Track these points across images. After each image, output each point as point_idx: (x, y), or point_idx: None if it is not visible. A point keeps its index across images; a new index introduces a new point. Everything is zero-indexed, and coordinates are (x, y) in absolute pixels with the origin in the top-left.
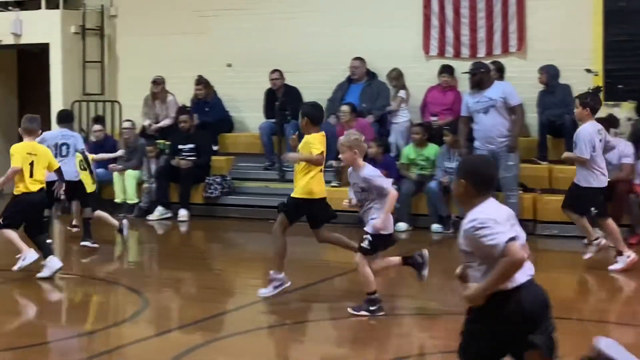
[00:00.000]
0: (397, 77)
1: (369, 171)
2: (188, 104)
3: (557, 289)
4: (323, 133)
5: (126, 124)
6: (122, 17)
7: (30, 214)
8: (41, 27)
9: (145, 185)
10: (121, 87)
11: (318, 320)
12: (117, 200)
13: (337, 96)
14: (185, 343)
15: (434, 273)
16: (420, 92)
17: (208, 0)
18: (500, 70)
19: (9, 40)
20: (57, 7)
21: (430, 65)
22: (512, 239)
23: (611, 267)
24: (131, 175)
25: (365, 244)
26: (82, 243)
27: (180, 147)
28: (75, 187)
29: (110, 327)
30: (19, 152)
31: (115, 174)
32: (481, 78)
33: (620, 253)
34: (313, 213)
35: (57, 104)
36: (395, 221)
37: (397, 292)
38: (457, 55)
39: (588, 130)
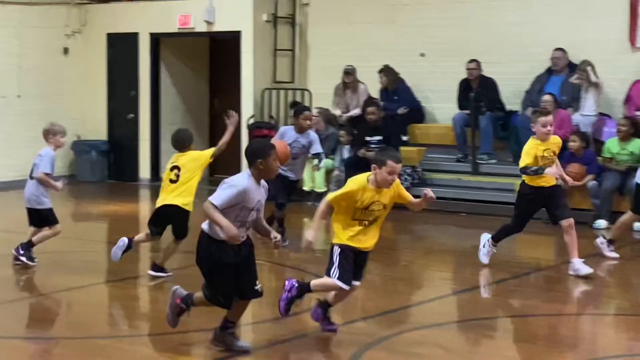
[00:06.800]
0: (584, 69)
1: None
2: (377, 94)
3: None
4: None
5: (315, 112)
6: (314, 6)
7: None
8: (233, 15)
9: (335, 173)
10: (311, 75)
11: (509, 316)
12: (306, 188)
13: (535, 88)
14: (370, 334)
15: (636, 273)
16: (625, 85)
17: None
18: None
19: (202, 27)
20: None
21: (636, 57)
22: None
23: None
24: None
25: None
26: None
27: (368, 138)
28: None
29: (298, 314)
30: None
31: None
32: None
33: None
34: None
35: (247, 92)
36: (595, 217)
37: (597, 292)
38: None
39: None
